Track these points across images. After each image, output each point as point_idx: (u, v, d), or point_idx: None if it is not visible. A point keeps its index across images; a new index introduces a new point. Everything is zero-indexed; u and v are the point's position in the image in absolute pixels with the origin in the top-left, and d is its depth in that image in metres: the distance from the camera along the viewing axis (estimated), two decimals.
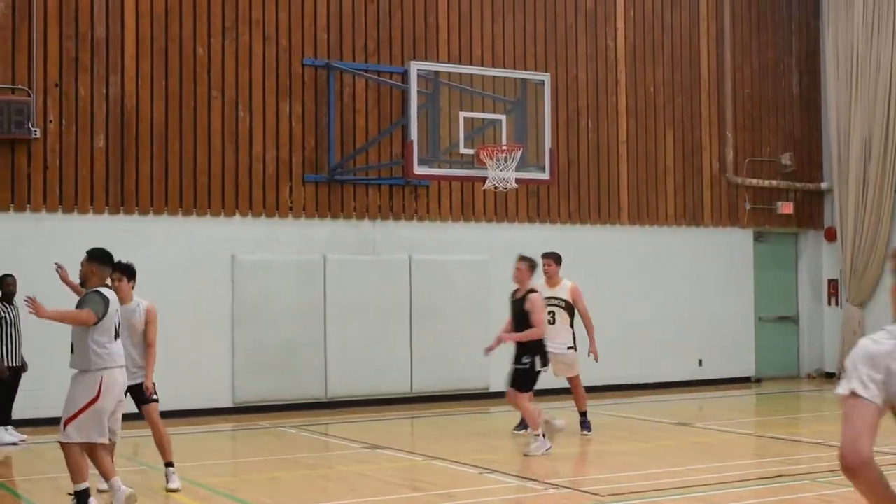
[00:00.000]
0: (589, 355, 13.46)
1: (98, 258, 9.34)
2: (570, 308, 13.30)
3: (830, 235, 21.41)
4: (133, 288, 10.49)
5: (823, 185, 21.51)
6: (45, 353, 14.42)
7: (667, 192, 19.77)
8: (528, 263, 12.45)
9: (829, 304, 21.51)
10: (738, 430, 14.12)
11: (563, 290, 13.29)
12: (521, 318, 12.14)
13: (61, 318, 9.01)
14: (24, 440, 13.34)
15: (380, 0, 17.29)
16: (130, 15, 15.52)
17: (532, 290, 12.17)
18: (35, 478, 11.23)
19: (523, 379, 12.12)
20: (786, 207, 20.97)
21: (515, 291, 12.46)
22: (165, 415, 15.37)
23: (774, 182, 20.95)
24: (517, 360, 12.18)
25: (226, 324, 15.94)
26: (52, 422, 14.48)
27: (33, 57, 14.91)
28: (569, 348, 13.32)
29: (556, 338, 13.02)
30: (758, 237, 21.05)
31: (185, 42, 15.87)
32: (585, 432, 13.41)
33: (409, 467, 11.70)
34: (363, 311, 16.78)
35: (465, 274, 17.62)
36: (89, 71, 15.25)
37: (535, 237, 18.31)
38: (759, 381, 20.33)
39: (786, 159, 20.99)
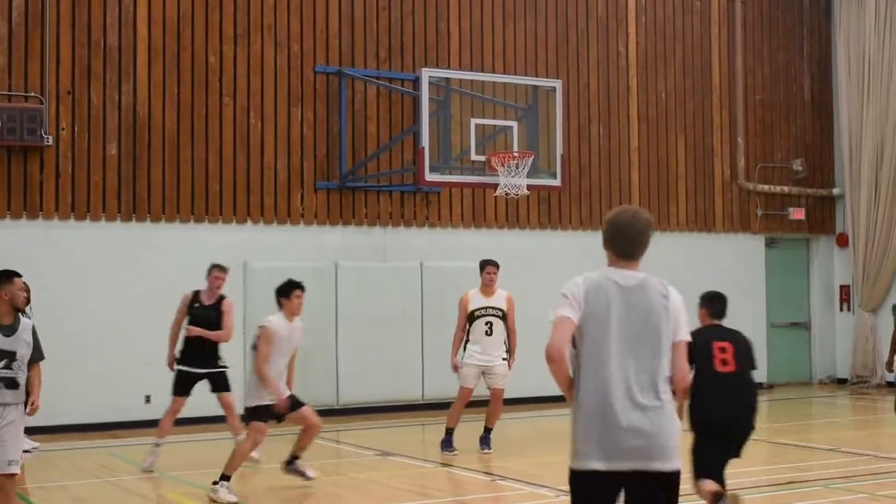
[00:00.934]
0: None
1: None
2: (505, 318, 12.89)
3: (842, 241, 21.37)
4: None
5: (835, 191, 21.47)
6: (57, 360, 14.45)
7: (678, 198, 19.75)
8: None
9: (841, 310, 21.45)
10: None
11: (500, 300, 12.91)
12: None
13: None
14: (36, 447, 13.37)
15: (391, 7, 17.32)
16: (143, 23, 15.57)
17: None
18: (48, 485, 11.25)
19: None
20: (797, 213, 20.94)
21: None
22: (179, 421, 15.44)
23: (786, 188, 20.92)
24: None
25: (238, 330, 15.91)
26: (65, 429, 14.59)
27: (46, 64, 14.97)
28: (503, 359, 12.97)
29: (492, 349, 12.80)
30: (769, 243, 21.01)
31: (197, 49, 15.92)
32: (487, 450, 12.81)
33: (420, 474, 11.71)
34: (375, 317, 16.79)
35: (476, 281, 17.55)
36: (101, 78, 15.30)
37: (547, 244, 18.34)
38: (770, 387, 20.27)
39: (797, 165, 20.96)
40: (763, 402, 18.81)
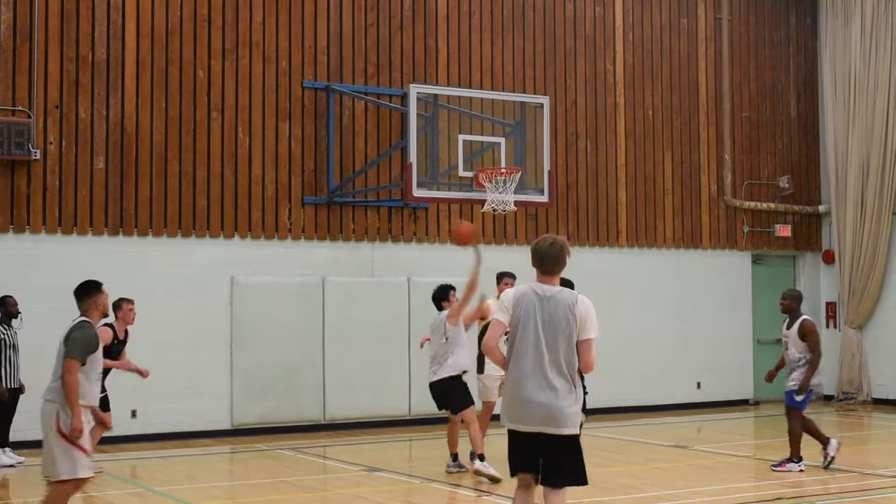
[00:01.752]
0: None
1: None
2: None
3: (828, 258, 21.44)
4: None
5: (821, 208, 21.55)
6: (43, 375, 14.41)
7: (665, 214, 19.80)
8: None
9: (828, 326, 21.50)
10: (737, 452, 14.11)
11: None
12: None
13: None
14: (21, 462, 13.33)
15: (380, 23, 17.35)
16: (131, 37, 15.57)
17: None
18: (31, 500, 11.18)
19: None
20: (784, 230, 21.01)
21: None
22: (165, 437, 15.44)
23: (772, 205, 20.99)
24: None
25: (225, 346, 15.94)
26: None
27: (34, 78, 14.96)
28: None
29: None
30: (756, 260, 21.07)
31: (185, 64, 15.92)
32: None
33: (407, 489, 11.70)
34: (362, 333, 16.78)
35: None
36: (89, 92, 15.29)
37: None
38: (757, 403, 20.31)
39: (784, 182, 21.04)
40: (749, 418, 18.86)
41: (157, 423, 15.32)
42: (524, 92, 18.03)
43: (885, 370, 20.36)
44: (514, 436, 7.22)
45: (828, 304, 21.47)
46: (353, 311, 16.78)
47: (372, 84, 17.21)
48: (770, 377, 12.99)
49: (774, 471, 12.32)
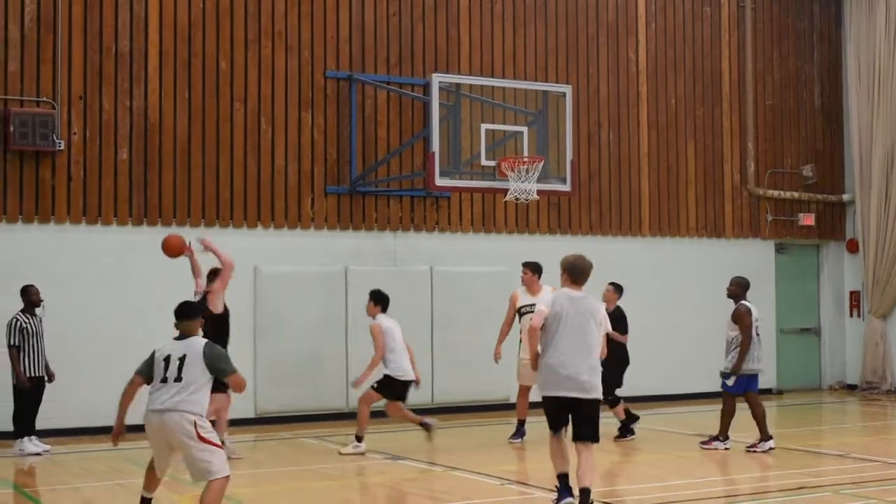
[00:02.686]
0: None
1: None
2: None
3: (852, 247, 21.35)
4: None
5: (845, 197, 21.45)
6: (68, 363, 14.53)
7: (688, 203, 19.76)
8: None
9: (851, 315, 21.43)
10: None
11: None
12: None
13: None
14: (47, 450, 13.44)
15: (402, 12, 17.36)
16: (154, 28, 15.63)
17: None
18: (59, 488, 11.30)
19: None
20: (807, 219, 20.93)
21: None
22: None
23: (796, 194, 20.91)
24: None
25: (248, 335, 15.99)
26: (76, 432, 14.64)
27: (58, 70, 15.04)
28: None
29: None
30: (779, 249, 21.00)
31: (207, 55, 15.97)
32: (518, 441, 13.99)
33: (429, 478, 11.73)
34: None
35: (486, 285, 17.63)
36: (113, 83, 15.37)
37: (556, 249, 18.16)
38: (780, 392, 20.26)
39: (807, 171, 20.95)
40: (773, 407, 18.81)
41: None
42: (546, 81, 18.01)
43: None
44: (553, 400, 9.33)
45: (852, 293, 21.39)
46: None
47: (394, 74, 17.23)
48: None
49: (703, 448, 13.17)
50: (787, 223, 20.87)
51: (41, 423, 13.84)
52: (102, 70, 15.30)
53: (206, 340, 8.91)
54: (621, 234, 19.06)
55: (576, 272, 9.46)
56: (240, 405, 15.88)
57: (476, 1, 17.97)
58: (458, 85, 15.77)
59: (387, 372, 13.25)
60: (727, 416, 13.28)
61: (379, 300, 13.49)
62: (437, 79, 15.36)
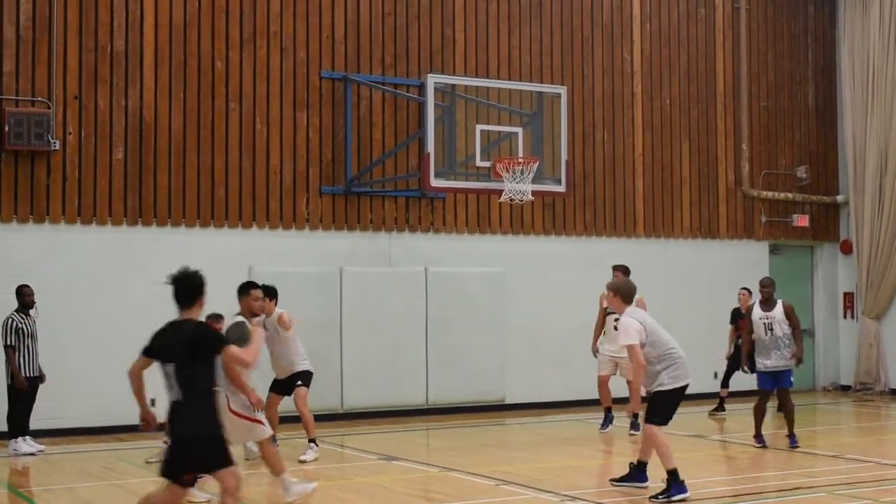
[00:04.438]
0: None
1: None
2: None
3: (846, 248, 21.39)
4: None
5: (839, 198, 21.50)
6: (63, 364, 14.52)
7: (682, 204, 19.79)
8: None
9: (845, 317, 21.48)
10: (754, 442, 14.09)
11: None
12: None
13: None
14: (41, 450, 13.42)
15: (397, 13, 17.37)
16: (149, 28, 15.63)
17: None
18: (53, 488, 11.29)
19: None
20: (801, 220, 20.97)
21: None
22: None
23: (790, 195, 20.95)
24: None
25: None
26: (70, 432, 14.63)
27: (53, 69, 15.03)
28: None
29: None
30: (773, 250, 21.03)
31: (203, 55, 15.97)
32: (635, 432, 14.50)
33: (424, 478, 11.74)
34: (379, 322, 16.82)
35: (481, 286, 17.66)
36: (108, 83, 15.35)
37: (551, 249, 18.38)
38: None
39: (801, 172, 20.99)
40: (767, 408, 18.82)
41: None
42: (541, 82, 18.02)
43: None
44: (680, 390, 10.32)
45: (845, 294, 21.43)
46: (370, 300, 16.81)
47: (389, 74, 17.23)
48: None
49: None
50: (781, 224, 20.91)
51: (35, 423, 13.83)
52: (97, 70, 15.30)
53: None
54: (616, 235, 19.07)
55: (628, 295, 10.93)
56: None
57: (471, 1, 17.99)
58: (453, 86, 15.79)
59: (306, 367, 13.17)
60: (793, 414, 13.63)
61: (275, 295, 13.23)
62: (432, 79, 15.37)
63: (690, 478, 10.59)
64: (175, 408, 7.42)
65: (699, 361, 19.30)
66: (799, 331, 13.54)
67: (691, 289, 19.60)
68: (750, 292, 16.68)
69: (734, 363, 17.05)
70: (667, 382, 10.23)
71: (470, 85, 16.19)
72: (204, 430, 7.38)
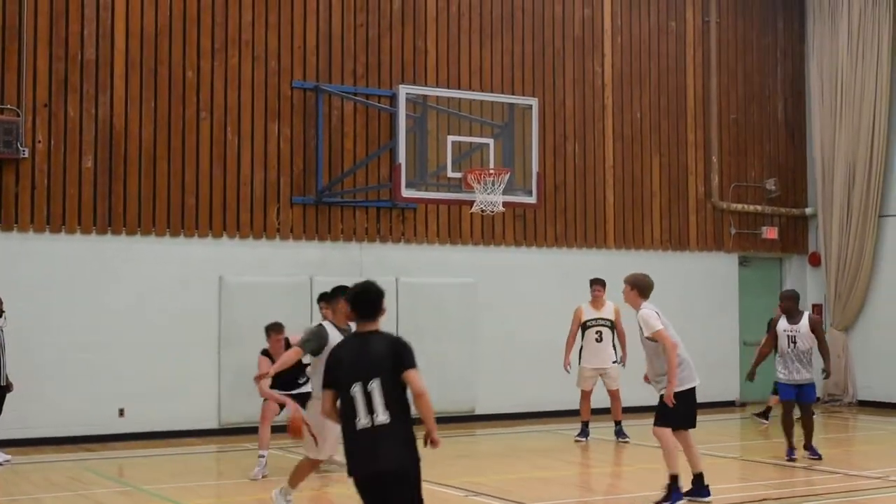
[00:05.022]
0: (620, 363, 15.47)
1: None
2: (613, 327, 15.33)
3: (815, 260, 21.53)
4: None
5: (808, 211, 21.64)
6: (31, 373, 14.43)
7: (653, 216, 19.87)
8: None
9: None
10: (723, 453, 14.15)
11: (609, 311, 15.32)
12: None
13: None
14: (8, 460, 13.32)
15: (369, 24, 17.38)
16: (120, 36, 15.57)
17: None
18: (19, 498, 11.20)
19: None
20: (770, 232, 21.09)
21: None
22: (153, 436, 15.44)
23: (759, 207, 21.07)
24: None
25: (213, 345, 15.95)
26: (38, 442, 14.53)
27: (23, 77, 14.94)
28: (613, 362, 15.30)
29: (603, 354, 15.22)
30: (742, 262, 21.14)
31: (174, 63, 15.92)
32: (623, 439, 15.20)
33: None
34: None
35: (452, 296, 17.66)
36: (78, 91, 15.29)
37: (522, 260, 18.41)
38: (743, 404, 20.37)
39: (771, 185, 21.12)
40: (735, 419, 18.92)
41: (145, 422, 15.33)
42: (513, 93, 18.06)
43: (870, 372, 20.46)
44: (688, 393, 10.57)
45: (814, 306, 21.54)
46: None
47: (361, 85, 17.23)
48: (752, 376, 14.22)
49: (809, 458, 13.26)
50: (750, 236, 21.02)
51: (2, 432, 13.73)
52: (68, 78, 15.23)
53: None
54: (586, 246, 19.12)
55: (648, 289, 11.37)
56: (204, 415, 15.87)
57: (443, 13, 18.02)
58: (424, 96, 15.80)
59: None
60: (812, 428, 13.59)
61: None
62: (403, 90, 15.38)
63: (659, 489, 10.62)
64: (378, 433, 6.44)
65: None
66: (825, 345, 13.58)
67: (661, 300, 19.47)
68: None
69: None
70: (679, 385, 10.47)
71: (441, 96, 16.21)
72: (413, 459, 6.55)
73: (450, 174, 15.47)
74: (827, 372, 13.75)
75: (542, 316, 17.80)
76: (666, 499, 10.17)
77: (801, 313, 13.55)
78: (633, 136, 19.72)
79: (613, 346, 15.39)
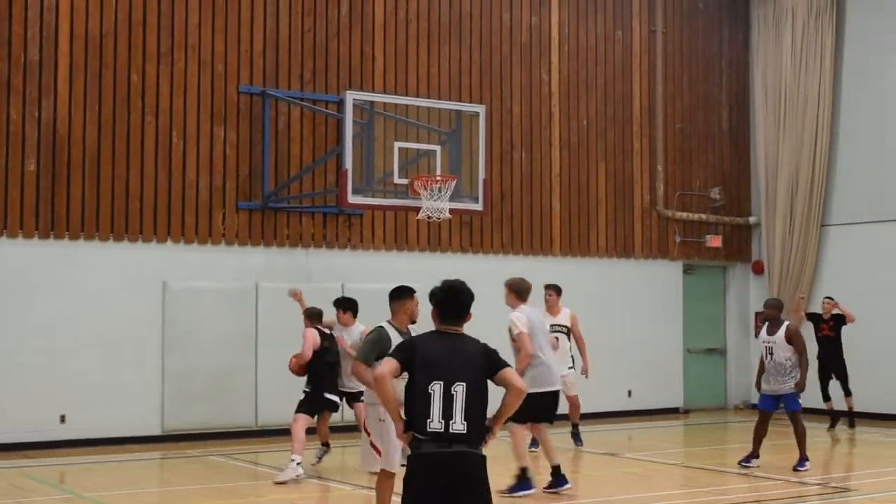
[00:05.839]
0: (583, 373, 15.38)
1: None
2: (569, 333, 15.13)
3: (758, 268, 21.74)
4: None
5: (751, 220, 21.86)
6: None
7: (598, 224, 19.97)
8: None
9: (756, 336, 21.73)
10: (667, 460, 14.26)
11: (565, 318, 15.13)
12: None
13: None
14: None
15: (316, 29, 17.33)
16: (64, 38, 15.40)
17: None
18: None
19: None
20: (714, 241, 21.28)
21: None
22: (95, 442, 15.26)
23: (704, 215, 21.26)
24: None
25: (156, 351, 15.81)
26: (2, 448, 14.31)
27: None
28: (570, 368, 15.10)
29: (560, 361, 14.59)
30: (687, 270, 21.31)
31: (119, 67, 15.78)
32: (579, 445, 15.29)
33: (340, 496, 11.69)
34: (295, 339, 16.60)
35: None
36: (21, 94, 15.10)
37: (469, 267, 18.39)
38: (687, 412, 20.53)
39: (715, 193, 21.32)
40: (679, 426, 19.06)
41: (87, 429, 15.16)
42: (460, 100, 18.08)
43: (811, 380, 20.62)
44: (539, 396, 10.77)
45: (757, 314, 21.73)
46: (286, 317, 16.66)
47: (308, 90, 17.18)
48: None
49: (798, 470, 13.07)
50: (694, 244, 21.20)
51: None
52: (10, 80, 15.03)
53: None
54: (532, 254, 19.19)
55: (525, 292, 11.35)
56: (147, 422, 15.72)
57: (391, 19, 18.01)
58: (371, 102, 15.77)
59: None
60: (803, 437, 13.47)
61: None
62: (350, 96, 15.34)
63: (605, 496, 10.68)
64: (451, 440, 5.94)
65: (613, 379, 19.62)
66: (804, 357, 13.42)
67: (606, 307, 19.76)
68: (833, 301, 17.83)
69: (824, 373, 18.01)
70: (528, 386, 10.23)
71: (389, 102, 16.19)
72: (486, 473, 6.10)
73: (396, 180, 15.44)
74: (799, 384, 13.47)
75: (488, 322, 17.76)
76: (516, 487, 11.09)
77: (780, 323, 13.48)
78: (579, 143, 19.82)
79: (571, 353, 15.27)
